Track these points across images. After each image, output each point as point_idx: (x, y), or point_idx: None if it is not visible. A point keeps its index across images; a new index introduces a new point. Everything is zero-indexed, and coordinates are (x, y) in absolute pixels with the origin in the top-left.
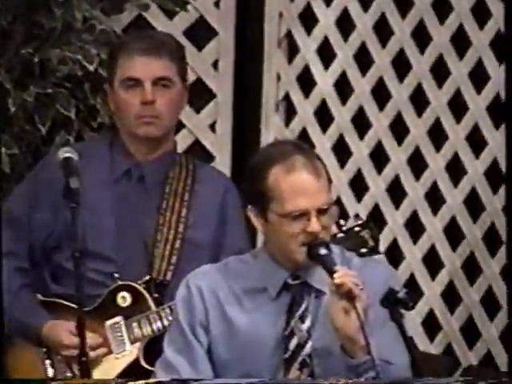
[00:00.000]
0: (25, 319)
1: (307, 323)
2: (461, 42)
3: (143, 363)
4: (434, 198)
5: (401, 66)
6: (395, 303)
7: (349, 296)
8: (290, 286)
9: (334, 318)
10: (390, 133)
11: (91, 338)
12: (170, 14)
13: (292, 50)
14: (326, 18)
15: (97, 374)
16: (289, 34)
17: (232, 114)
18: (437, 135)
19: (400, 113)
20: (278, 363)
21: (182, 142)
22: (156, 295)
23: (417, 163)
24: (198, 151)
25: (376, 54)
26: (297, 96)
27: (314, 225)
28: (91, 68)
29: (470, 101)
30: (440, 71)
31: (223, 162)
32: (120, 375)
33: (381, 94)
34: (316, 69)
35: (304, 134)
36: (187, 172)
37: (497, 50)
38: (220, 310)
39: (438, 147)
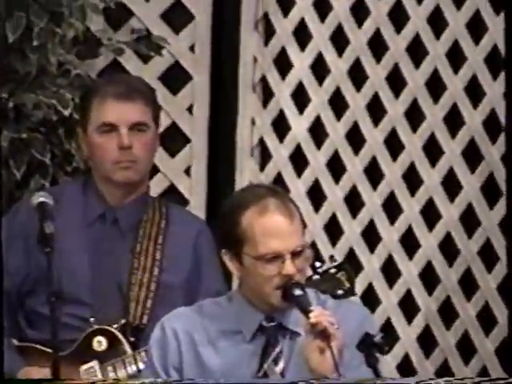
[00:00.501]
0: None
1: (281, 365)
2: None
3: None
4: (409, 242)
5: (376, 108)
6: (371, 347)
7: (324, 335)
8: (264, 329)
9: (308, 357)
10: (365, 176)
11: None
12: (145, 59)
13: (266, 95)
14: (301, 63)
15: None
16: (263, 79)
17: (207, 158)
18: (412, 179)
19: (375, 156)
20: None
21: (158, 186)
22: (132, 339)
23: (391, 206)
24: (173, 195)
25: (351, 97)
26: (271, 140)
27: (289, 267)
28: (66, 113)
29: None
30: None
31: (198, 206)
32: None
33: (356, 138)
34: (291, 113)
35: (279, 179)
36: (160, 215)
37: (492, 65)
38: (194, 351)
39: (412, 192)
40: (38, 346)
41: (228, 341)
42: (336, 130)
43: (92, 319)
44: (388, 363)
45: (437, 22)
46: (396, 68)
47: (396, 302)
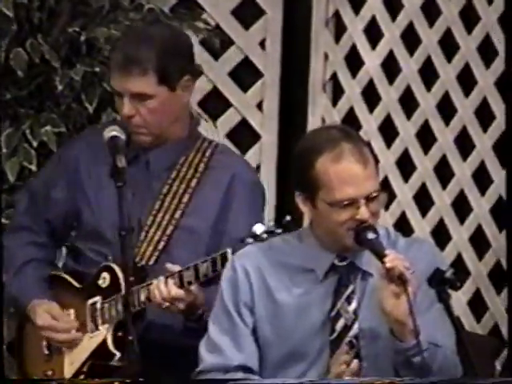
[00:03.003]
0: (17, 294)
1: (354, 304)
2: None
3: (110, 345)
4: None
5: (448, 45)
6: (442, 283)
7: (400, 280)
8: (336, 268)
9: (383, 301)
10: (437, 112)
11: (64, 321)
12: None
13: (339, 30)
14: None
15: (72, 352)
16: (336, 14)
17: (279, 93)
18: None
19: (448, 92)
20: (323, 344)
21: (229, 120)
22: (131, 278)
23: (463, 142)
24: (245, 129)
25: (423, 33)
26: (344, 75)
27: (363, 212)
28: None
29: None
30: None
31: (269, 141)
32: (91, 355)
33: (428, 74)
34: (363, 48)
35: (351, 114)
36: (201, 158)
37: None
38: (266, 290)
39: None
40: (65, 275)
41: (300, 279)
42: (409, 65)
43: (110, 257)
44: (459, 299)
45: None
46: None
47: (467, 237)
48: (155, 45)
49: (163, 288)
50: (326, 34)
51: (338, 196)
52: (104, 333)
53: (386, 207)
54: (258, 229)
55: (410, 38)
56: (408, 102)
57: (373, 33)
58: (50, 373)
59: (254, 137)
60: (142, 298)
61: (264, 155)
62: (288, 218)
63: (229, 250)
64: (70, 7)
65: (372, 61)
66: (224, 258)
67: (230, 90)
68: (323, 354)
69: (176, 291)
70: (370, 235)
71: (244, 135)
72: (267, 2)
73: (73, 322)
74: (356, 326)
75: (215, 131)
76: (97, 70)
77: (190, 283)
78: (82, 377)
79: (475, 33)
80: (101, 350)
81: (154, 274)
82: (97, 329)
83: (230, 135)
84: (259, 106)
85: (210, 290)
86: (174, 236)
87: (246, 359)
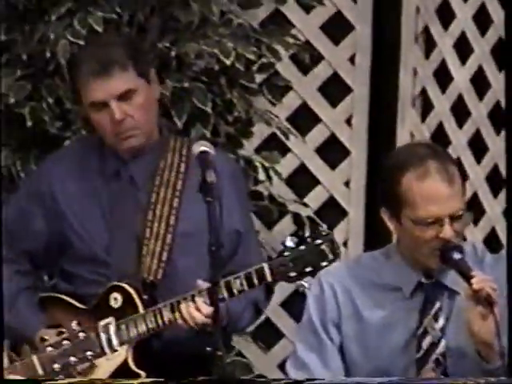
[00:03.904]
0: (18, 327)
1: (441, 322)
2: None
3: (132, 365)
4: None
5: None
6: None
7: (487, 302)
8: (423, 286)
9: (470, 322)
10: None
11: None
12: (307, 9)
13: (429, 45)
14: (463, 13)
15: (91, 374)
16: (426, 29)
17: (368, 108)
18: None
19: None
20: (409, 362)
21: (319, 136)
22: (145, 297)
23: None
24: (334, 145)
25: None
26: (433, 91)
27: (447, 231)
28: (228, 62)
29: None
30: None
31: (359, 157)
32: (111, 376)
33: None
34: (453, 64)
35: (440, 129)
36: (180, 158)
37: None
38: (353, 308)
39: None
40: (64, 296)
41: (387, 296)
42: (497, 80)
43: (112, 277)
44: None
45: None
46: None
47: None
48: (122, 43)
49: (194, 311)
50: (416, 50)
51: (422, 214)
52: (124, 353)
53: (476, 222)
54: (290, 241)
55: (499, 53)
56: (497, 117)
57: (462, 48)
58: None
59: (344, 152)
60: (166, 318)
61: (353, 170)
62: (323, 227)
63: (265, 265)
64: (160, 22)
65: (461, 76)
66: (260, 273)
67: (319, 105)
68: (409, 372)
69: (207, 311)
70: (456, 255)
71: (333, 151)
72: (356, 17)
73: (88, 350)
74: (443, 344)
75: (304, 147)
76: (186, 85)
77: (222, 300)
78: None
79: None
80: (121, 370)
81: (164, 288)
82: (114, 350)
83: (319, 151)
84: (348, 121)
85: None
86: (175, 244)
87: (333, 377)
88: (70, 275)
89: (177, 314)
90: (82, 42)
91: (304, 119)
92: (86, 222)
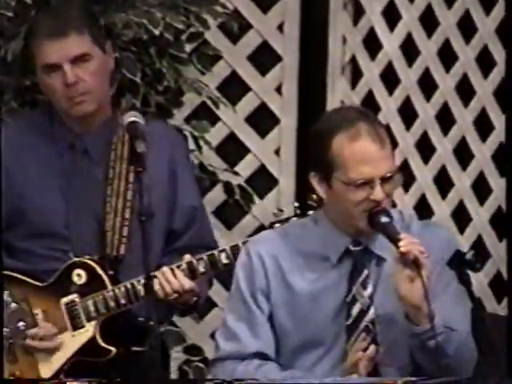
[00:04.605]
0: None
1: (369, 289)
2: None
3: (100, 341)
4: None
5: (466, 26)
6: (463, 265)
7: (415, 264)
8: (351, 252)
9: (398, 285)
10: (455, 94)
11: (45, 327)
12: None
13: (357, 12)
14: None
15: (53, 351)
16: None
17: (298, 76)
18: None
19: (466, 73)
20: (339, 330)
21: (249, 105)
22: (111, 272)
23: (483, 124)
24: (265, 113)
25: (441, 15)
26: (363, 58)
27: (378, 193)
28: (156, 32)
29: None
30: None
31: (289, 125)
32: (77, 353)
33: (447, 56)
34: (382, 31)
35: (370, 97)
36: (130, 133)
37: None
38: (281, 276)
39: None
40: (18, 275)
41: (315, 264)
42: (427, 48)
43: (70, 253)
44: (481, 280)
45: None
46: None
47: (487, 219)
48: (78, 9)
49: (173, 280)
50: (344, 17)
51: (354, 175)
52: (91, 330)
53: (406, 189)
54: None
55: (429, 20)
56: (427, 84)
57: (391, 15)
58: (17, 373)
59: (274, 121)
60: (142, 292)
61: (283, 139)
62: (296, 204)
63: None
64: None
65: (390, 43)
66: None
67: (248, 73)
68: (339, 340)
69: (190, 283)
70: (384, 218)
71: (263, 119)
72: None
73: (53, 327)
74: (372, 311)
75: (234, 116)
76: (115, 55)
77: (203, 274)
78: (61, 375)
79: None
80: (89, 347)
81: (128, 263)
82: (79, 327)
83: (249, 119)
84: (278, 89)
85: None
86: (132, 219)
87: (263, 346)
88: (19, 251)
89: (153, 282)
90: (10, 14)
91: (234, 88)
92: (42, 194)
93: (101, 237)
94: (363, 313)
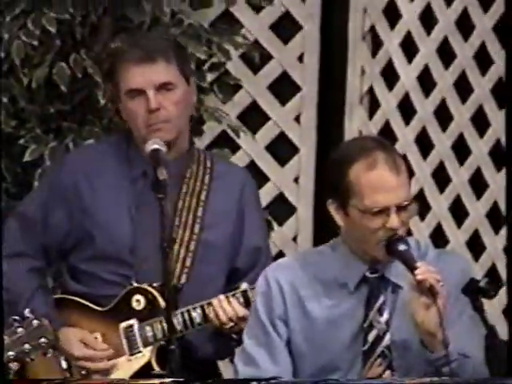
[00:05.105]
0: None
1: (385, 315)
2: None
3: (155, 366)
4: None
5: (483, 60)
6: (477, 292)
7: (430, 292)
8: (368, 280)
9: (414, 313)
10: (472, 125)
11: (101, 350)
12: (256, 8)
13: (376, 44)
14: (410, 13)
15: (108, 373)
16: (373, 28)
17: (317, 106)
18: None
19: (481, 105)
20: (355, 356)
21: (268, 133)
22: (170, 300)
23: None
24: (283, 143)
25: (458, 47)
26: (380, 89)
27: (394, 221)
28: None
29: None
30: None
31: (308, 154)
32: (132, 377)
33: (462, 87)
34: (399, 62)
35: (387, 127)
36: (204, 169)
37: None
38: (299, 303)
39: None
40: (79, 299)
41: (332, 292)
42: (444, 79)
43: (132, 279)
44: (495, 308)
45: None
46: None
47: (501, 247)
48: (169, 40)
49: (228, 308)
50: (363, 48)
51: (370, 203)
52: (148, 355)
53: (422, 218)
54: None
55: (446, 52)
56: (443, 115)
57: (409, 47)
58: None
59: (293, 150)
60: (198, 319)
61: (302, 167)
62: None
63: None
64: (112, 23)
65: (408, 75)
66: None
67: (268, 103)
68: (356, 365)
69: (244, 311)
70: (401, 246)
71: (283, 148)
72: (304, 17)
73: (109, 350)
74: (388, 337)
75: (254, 144)
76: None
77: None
78: None
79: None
80: (144, 371)
81: (185, 293)
82: (136, 352)
83: (269, 148)
84: (297, 119)
85: None
86: (198, 252)
87: (281, 372)
88: (82, 274)
89: (209, 310)
90: (35, 43)
91: (254, 117)
92: (111, 220)
93: (164, 265)
94: (379, 339)
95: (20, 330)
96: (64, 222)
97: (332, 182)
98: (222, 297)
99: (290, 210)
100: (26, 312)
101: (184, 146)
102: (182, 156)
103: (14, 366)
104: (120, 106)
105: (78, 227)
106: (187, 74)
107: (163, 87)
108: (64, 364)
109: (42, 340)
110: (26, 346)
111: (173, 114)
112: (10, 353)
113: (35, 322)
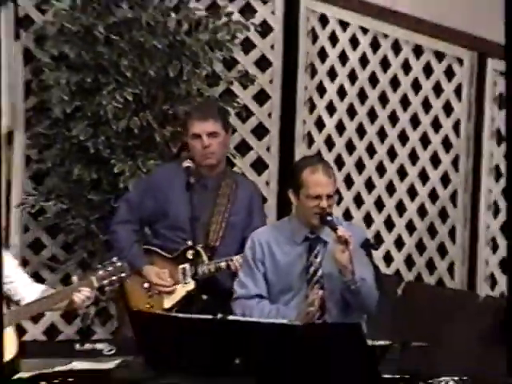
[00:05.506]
0: (133, 263)
1: (319, 258)
2: None
3: (197, 292)
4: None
5: None
6: (369, 246)
7: (345, 243)
8: (308, 238)
9: (336, 254)
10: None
11: (168, 280)
12: (244, 86)
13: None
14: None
15: (171, 293)
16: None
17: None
18: None
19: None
20: (302, 282)
21: (251, 157)
22: (208, 254)
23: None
24: (260, 163)
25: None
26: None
27: (324, 203)
28: None
29: None
30: None
31: (273, 170)
32: (184, 296)
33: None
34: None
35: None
36: (232, 182)
37: None
38: (270, 252)
39: None
40: (157, 249)
41: (288, 244)
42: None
43: (188, 241)
44: (378, 256)
45: None
46: None
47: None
48: (216, 106)
49: (240, 261)
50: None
51: (312, 192)
52: (193, 284)
53: (338, 204)
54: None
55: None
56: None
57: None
58: (148, 306)
59: (265, 167)
60: (224, 267)
61: (271, 176)
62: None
63: None
64: (163, 95)
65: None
66: None
67: (251, 140)
68: (303, 287)
69: None
70: (329, 218)
71: (259, 166)
72: (272, 89)
73: (172, 280)
74: (321, 271)
75: (243, 163)
76: (178, 129)
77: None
78: (175, 309)
79: None
80: (191, 294)
81: (218, 251)
82: (187, 282)
83: (252, 166)
84: (268, 149)
85: None
86: (226, 228)
87: (260, 291)
88: (160, 235)
89: (231, 263)
90: (120, 106)
91: (243, 148)
92: (178, 204)
93: (206, 233)
94: (316, 271)
95: (110, 268)
96: (151, 205)
97: (292, 181)
98: (238, 256)
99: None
100: (114, 259)
101: (222, 167)
102: (220, 173)
103: (108, 289)
104: (187, 142)
105: (159, 208)
106: (227, 127)
107: (212, 134)
108: (146, 285)
109: (123, 274)
110: (114, 277)
111: (216, 149)
112: (105, 281)
113: (119, 263)
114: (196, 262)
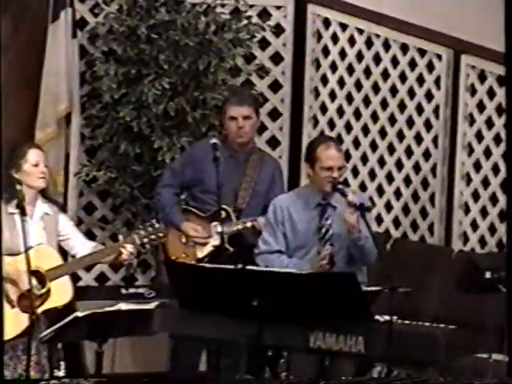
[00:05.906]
0: (173, 219)
1: (329, 221)
2: None
3: (226, 244)
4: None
5: None
6: (365, 209)
7: (354, 206)
8: (321, 204)
9: (346, 216)
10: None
11: (202, 233)
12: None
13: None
14: None
15: (203, 245)
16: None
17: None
18: None
19: None
20: (315, 240)
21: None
22: (236, 214)
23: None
24: (274, 141)
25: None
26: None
27: (335, 174)
28: None
29: None
30: None
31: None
32: (214, 248)
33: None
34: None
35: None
36: (258, 157)
37: None
38: (289, 215)
39: None
40: (194, 209)
41: (304, 209)
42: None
43: (220, 202)
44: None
45: None
46: None
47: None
48: (252, 95)
49: (263, 221)
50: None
51: (325, 164)
52: (222, 239)
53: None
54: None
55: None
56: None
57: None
58: (184, 255)
59: (278, 143)
60: (249, 226)
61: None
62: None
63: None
64: (196, 82)
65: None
66: None
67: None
68: (316, 244)
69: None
70: (339, 186)
71: (274, 144)
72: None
73: (206, 234)
74: (331, 231)
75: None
76: (207, 112)
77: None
78: (206, 259)
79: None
80: (220, 246)
81: (245, 212)
82: (217, 237)
83: (268, 143)
84: (281, 128)
85: None
86: (252, 195)
87: (280, 247)
88: (197, 198)
89: (256, 223)
90: (159, 92)
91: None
92: (210, 173)
93: (235, 198)
94: (327, 232)
95: (150, 228)
96: (190, 173)
97: (307, 155)
98: (261, 218)
99: None
100: (154, 221)
101: (251, 144)
102: (249, 149)
103: (148, 245)
104: (224, 122)
105: (196, 176)
106: (258, 112)
107: (246, 118)
108: (184, 239)
109: (160, 234)
110: (152, 236)
111: (248, 130)
112: (145, 239)
113: (157, 225)
114: (225, 221)
